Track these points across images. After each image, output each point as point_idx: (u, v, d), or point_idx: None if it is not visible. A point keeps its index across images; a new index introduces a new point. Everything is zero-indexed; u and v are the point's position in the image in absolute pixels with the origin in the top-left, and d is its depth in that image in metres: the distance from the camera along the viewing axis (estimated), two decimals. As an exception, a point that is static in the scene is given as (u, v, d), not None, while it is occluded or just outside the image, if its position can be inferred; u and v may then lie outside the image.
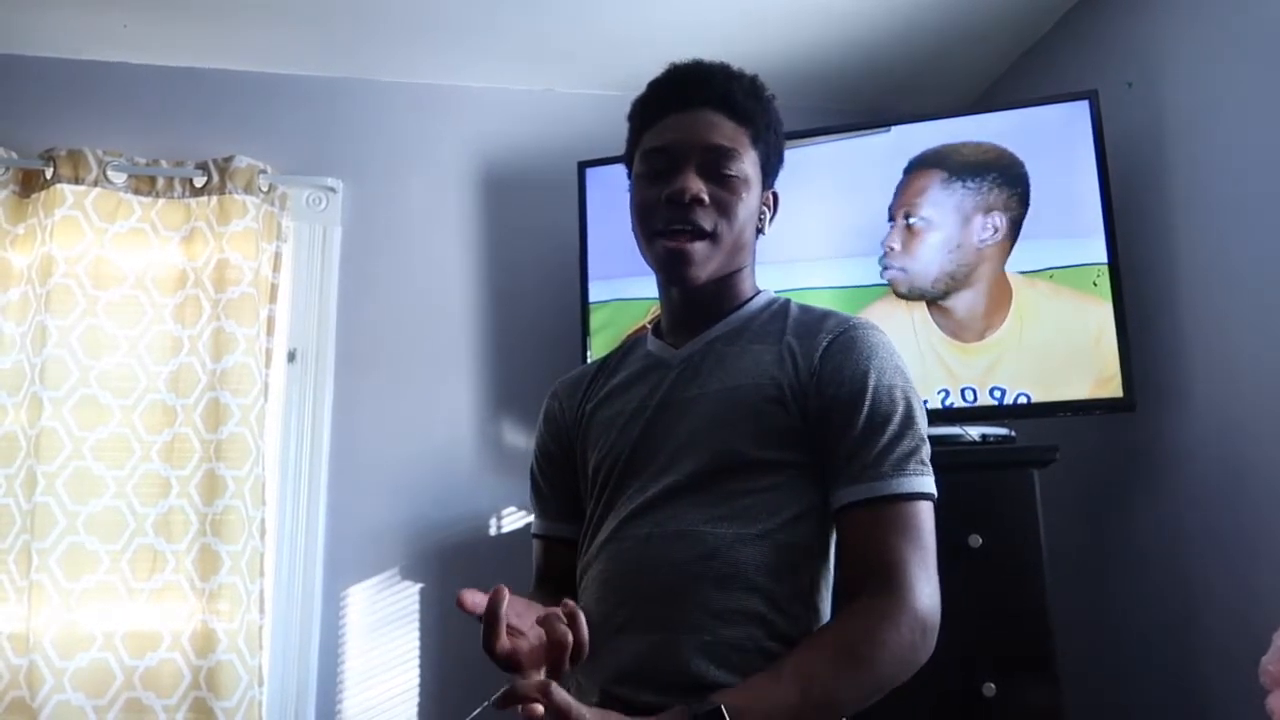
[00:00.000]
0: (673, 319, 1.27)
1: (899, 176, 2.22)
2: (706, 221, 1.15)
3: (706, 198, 1.15)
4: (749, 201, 1.19)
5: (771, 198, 1.26)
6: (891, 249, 2.20)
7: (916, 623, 1.02)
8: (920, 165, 2.21)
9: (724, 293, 1.23)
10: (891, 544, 1.04)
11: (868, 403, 1.09)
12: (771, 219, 1.27)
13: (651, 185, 1.19)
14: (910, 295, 2.17)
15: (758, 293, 1.27)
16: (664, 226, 1.16)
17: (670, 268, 1.18)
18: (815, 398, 1.11)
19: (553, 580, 1.29)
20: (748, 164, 1.18)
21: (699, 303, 1.23)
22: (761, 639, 1.06)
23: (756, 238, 1.25)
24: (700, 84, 1.20)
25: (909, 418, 1.10)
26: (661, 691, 1.04)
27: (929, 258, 2.17)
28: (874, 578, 1.04)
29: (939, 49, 2.55)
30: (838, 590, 1.14)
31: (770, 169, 1.24)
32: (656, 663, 1.06)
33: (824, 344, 1.14)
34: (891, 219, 2.21)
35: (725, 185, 1.16)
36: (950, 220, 2.16)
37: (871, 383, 1.10)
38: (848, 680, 0.99)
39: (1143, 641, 2.11)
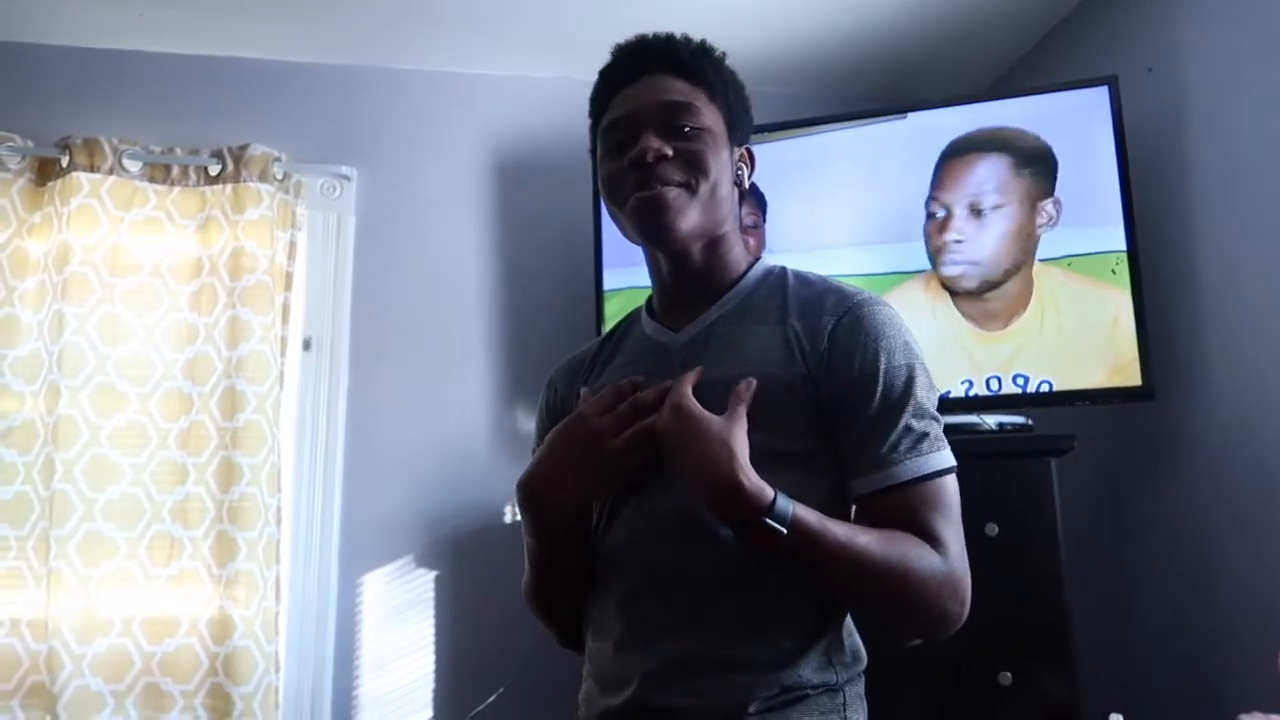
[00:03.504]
0: (665, 297, 1.23)
1: (933, 160, 2.16)
2: (676, 175, 1.12)
3: (670, 152, 1.12)
4: (719, 154, 1.15)
5: (747, 154, 1.23)
6: (953, 243, 2.12)
7: (948, 579, 1.02)
8: (968, 149, 2.14)
9: (715, 263, 1.19)
10: (923, 519, 1.04)
11: (880, 387, 1.07)
12: (750, 175, 1.22)
13: (614, 158, 1.16)
14: (974, 292, 2.10)
15: (752, 263, 1.22)
16: (630, 191, 1.13)
17: (648, 219, 1.13)
18: (826, 384, 1.08)
19: None
20: (708, 117, 1.15)
21: (691, 275, 1.19)
22: (793, 641, 1.05)
23: (739, 199, 1.22)
24: (643, 52, 1.19)
25: (923, 395, 1.09)
26: (697, 694, 1.03)
27: (996, 250, 2.10)
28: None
29: (956, 34, 2.53)
30: None
31: (736, 125, 1.20)
32: (691, 669, 1.04)
33: (830, 326, 1.10)
34: (938, 211, 2.14)
35: (688, 139, 1.13)
36: (1018, 207, 2.09)
37: (883, 365, 1.07)
38: (884, 560, 1.00)
39: (1160, 630, 2.10)
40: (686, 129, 1.14)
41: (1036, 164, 2.10)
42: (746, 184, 1.22)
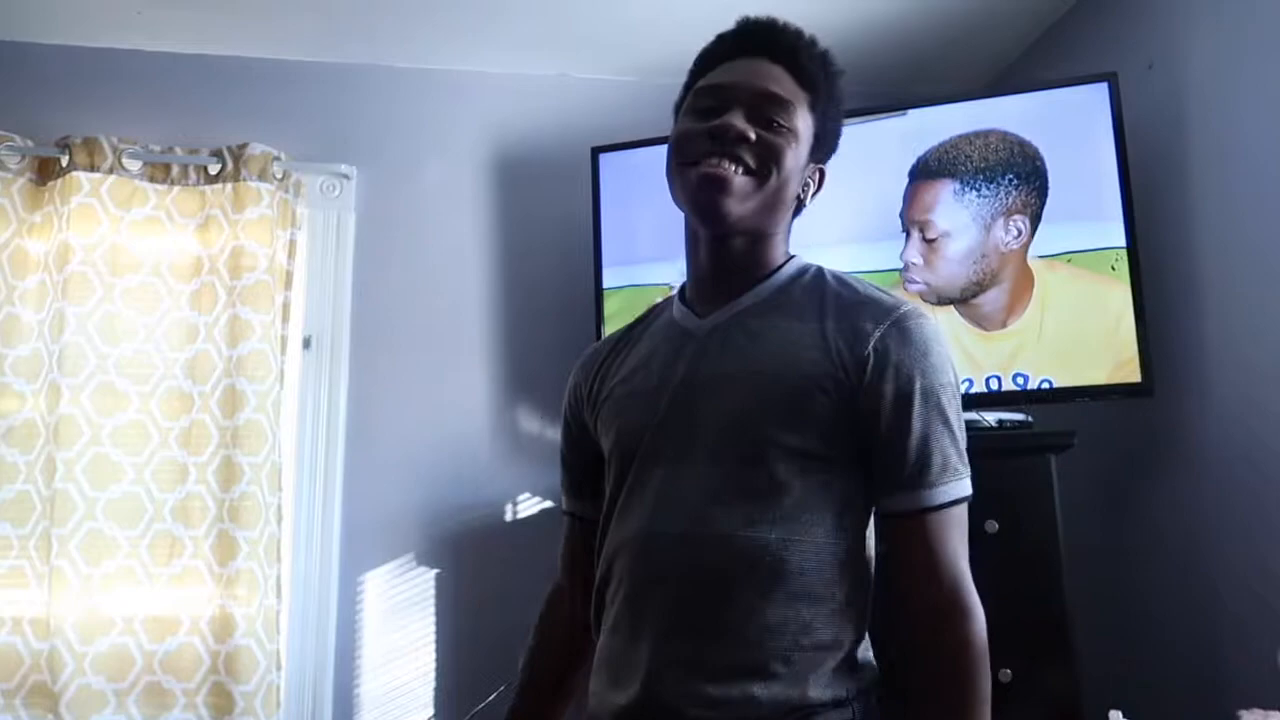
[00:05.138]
0: (698, 284, 1.20)
1: (905, 180, 2.18)
2: (750, 160, 1.10)
3: (753, 136, 1.10)
4: (797, 157, 1.13)
5: (818, 174, 1.20)
6: (912, 264, 2.15)
7: (980, 623, 1.04)
8: (927, 174, 2.17)
9: (755, 257, 1.16)
10: (949, 552, 1.04)
11: (918, 407, 1.05)
12: (814, 195, 1.20)
13: (695, 119, 1.13)
14: (939, 303, 2.14)
15: (789, 259, 1.20)
16: (699, 156, 1.11)
17: (705, 192, 1.10)
18: (865, 394, 1.06)
19: (581, 567, 1.26)
20: (800, 121, 1.13)
21: (727, 265, 1.16)
22: (807, 648, 1.04)
23: (797, 210, 1.19)
24: (768, 35, 1.16)
25: (956, 418, 1.08)
26: (702, 703, 1.02)
27: (952, 271, 2.13)
28: (940, 600, 1.04)
29: (956, 31, 2.53)
30: (887, 591, 1.11)
31: (823, 143, 1.18)
32: (698, 673, 1.03)
33: (873, 333, 1.07)
34: (905, 230, 2.17)
35: (774, 131, 1.11)
36: (970, 231, 2.12)
37: (921, 385, 1.06)
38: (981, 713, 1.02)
39: (1160, 627, 2.10)
40: (776, 123, 1.11)
41: (1010, 175, 2.11)
42: (809, 202, 1.19)
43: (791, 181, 1.13)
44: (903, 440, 1.05)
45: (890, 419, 1.06)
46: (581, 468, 1.29)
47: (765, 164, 1.10)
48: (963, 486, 1.06)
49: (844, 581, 1.06)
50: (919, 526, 1.04)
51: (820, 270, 1.19)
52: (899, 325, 1.08)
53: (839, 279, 1.17)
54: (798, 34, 1.17)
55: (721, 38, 1.20)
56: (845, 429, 1.07)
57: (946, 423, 1.06)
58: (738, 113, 1.11)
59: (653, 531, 1.09)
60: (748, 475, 1.06)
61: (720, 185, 1.09)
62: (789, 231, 1.21)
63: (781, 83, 1.13)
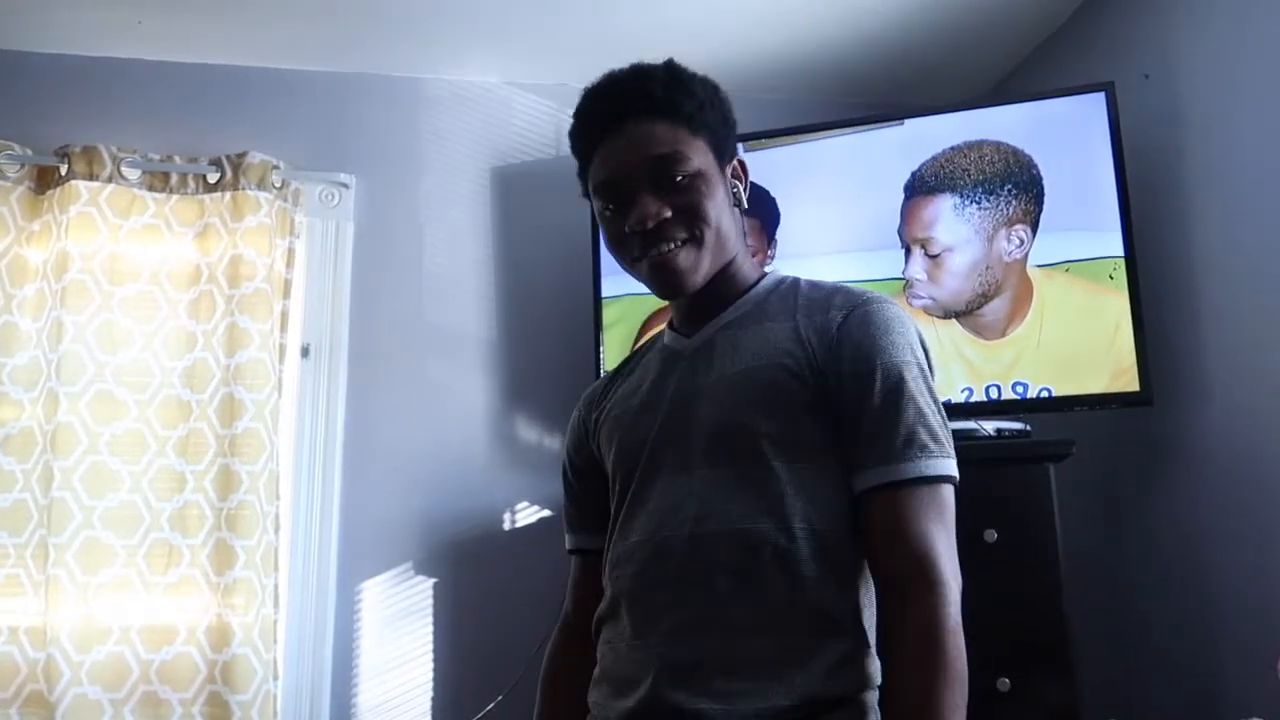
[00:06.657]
0: (681, 314, 1.26)
1: (900, 194, 2.18)
2: (680, 232, 1.14)
3: (670, 213, 1.13)
4: (714, 194, 1.15)
5: (739, 167, 1.23)
6: (916, 280, 2.16)
7: (955, 608, 1.02)
8: (924, 189, 2.17)
9: (726, 282, 1.21)
10: (916, 526, 1.03)
11: (880, 383, 1.07)
12: (746, 188, 1.23)
13: (614, 220, 1.16)
14: (944, 316, 2.14)
15: (764, 275, 1.24)
16: (639, 253, 1.15)
17: (662, 282, 1.16)
18: (833, 376, 1.09)
19: (588, 608, 1.24)
20: (697, 159, 1.14)
21: (704, 299, 1.21)
22: (812, 639, 1.05)
23: (740, 214, 1.23)
24: (616, 99, 1.17)
25: (922, 396, 1.09)
26: (715, 697, 1.02)
27: (958, 285, 2.13)
28: (905, 569, 1.03)
29: (953, 41, 2.54)
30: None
31: (723, 148, 1.19)
32: (707, 670, 1.04)
33: (838, 320, 1.12)
34: (905, 246, 2.17)
35: (682, 191, 1.13)
36: (974, 244, 2.12)
37: (882, 362, 1.08)
38: (950, 692, 0.99)
39: (1158, 636, 2.10)
40: (679, 179, 1.13)
41: (1009, 185, 2.11)
42: (745, 201, 1.23)
43: (722, 215, 1.16)
44: (864, 417, 1.07)
45: (852, 397, 1.08)
46: (584, 502, 1.32)
47: (695, 226, 1.14)
48: (933, 465, 1.06)
49: (848, 570, 1.08)
50: (884, 501, 1.05)
51: (796, 279, 1.23)
52: (862, 309, 1.12)
53: (811, 282, 1.22)
54: (639, 76, 1.17)
55: (582, 123, 1.20)
56: (824, 418, 1.09)
57: (911, 400, 1.08)
58: (644, 198, 1.13)
59: (657, 538, 1.11)
60: (743, 471, 1.09)
61: (671, 270, 1.15)
62: (744, 236, 1.24)
63: (659, 137, 1.13)
